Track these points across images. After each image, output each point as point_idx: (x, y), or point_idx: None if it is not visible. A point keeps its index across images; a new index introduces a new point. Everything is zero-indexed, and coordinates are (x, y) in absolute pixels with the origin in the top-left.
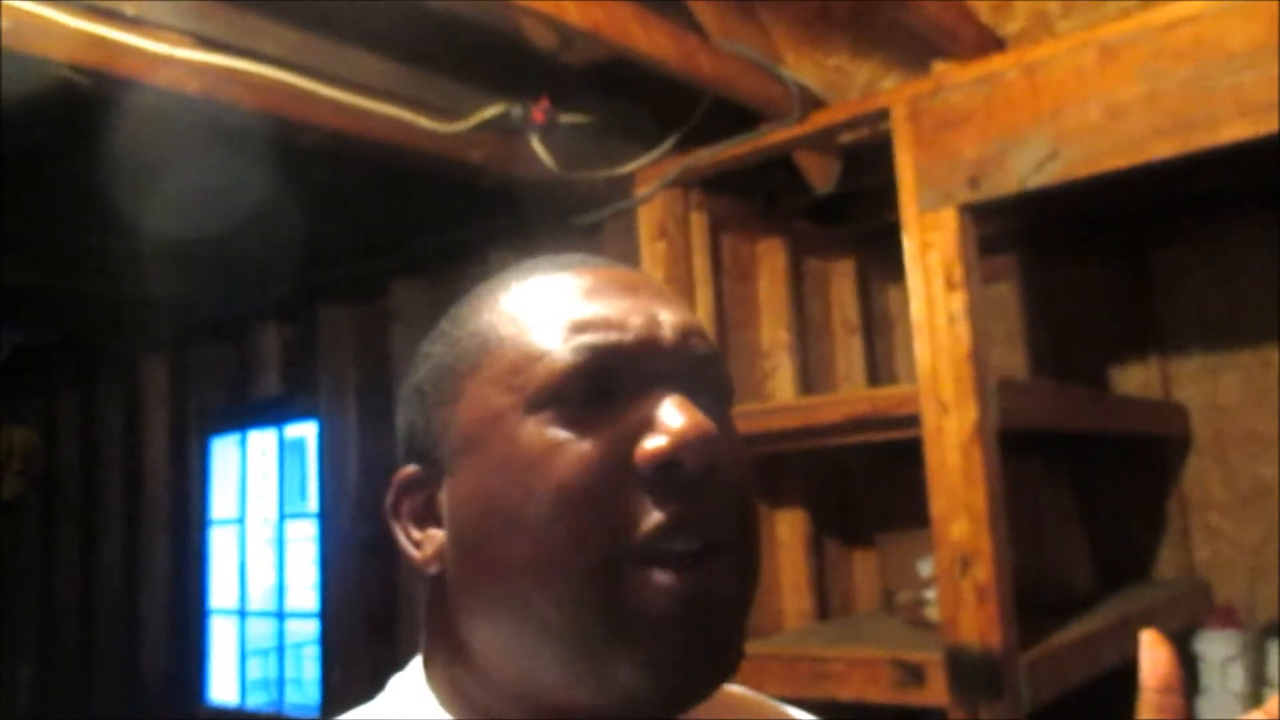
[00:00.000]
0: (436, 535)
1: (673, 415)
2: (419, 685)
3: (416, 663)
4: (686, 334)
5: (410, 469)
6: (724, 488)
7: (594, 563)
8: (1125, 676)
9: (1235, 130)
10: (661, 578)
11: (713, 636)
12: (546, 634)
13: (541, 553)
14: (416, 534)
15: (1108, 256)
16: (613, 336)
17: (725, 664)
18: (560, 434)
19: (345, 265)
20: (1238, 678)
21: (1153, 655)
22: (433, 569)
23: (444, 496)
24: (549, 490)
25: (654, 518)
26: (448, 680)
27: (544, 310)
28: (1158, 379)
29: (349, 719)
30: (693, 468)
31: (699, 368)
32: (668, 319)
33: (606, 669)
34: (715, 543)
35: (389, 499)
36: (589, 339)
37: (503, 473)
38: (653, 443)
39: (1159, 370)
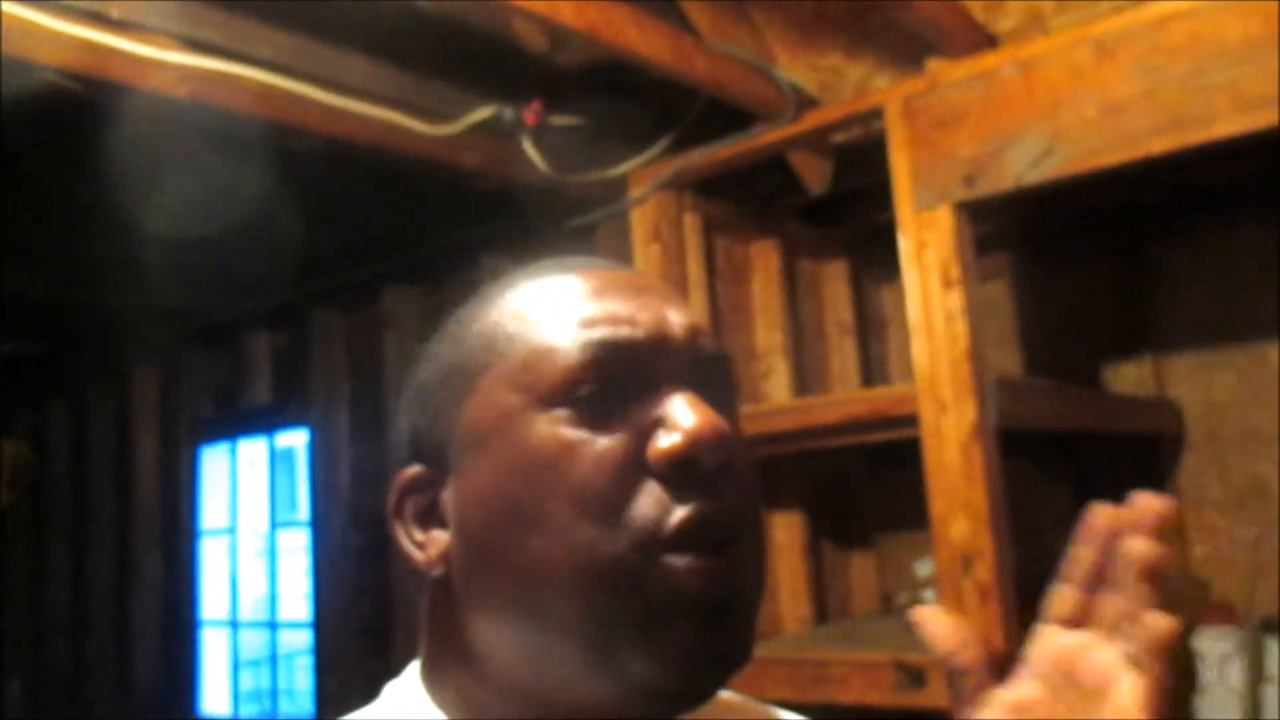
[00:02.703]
0: (440, 537)
1: (686, 413)
2: (416, 690)
3: (412, 668)
4: (695, 333)
5: (413, 470)
6: (736, 486)
7: (613, 561)
8: None
9: (1232, 125)
10: (683, 565)
11: (729, 628)
12: (563, 632)
13: (560, 552)
14: (419, 535)
15: (1102, 255)
16: (623, 332)
17: (738, 657)
18: (574, 433)
19: (337, 271)
20: (1236, 674)
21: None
22: (436, 571)
23: (449, 497)
24: (566, 490)
25: (675, 515)
26: (450, 684)
27: (553, 308)
28: (1152, 377)
29: None
30: (708, 465)
31: (708, 366)
32: (676, 318)
33: (623, 663)
34: (730, 538)
35: (391, 500)
36: (599, 334)
37: (515, 472)
38: (668, 440)
39: (1153, 368)
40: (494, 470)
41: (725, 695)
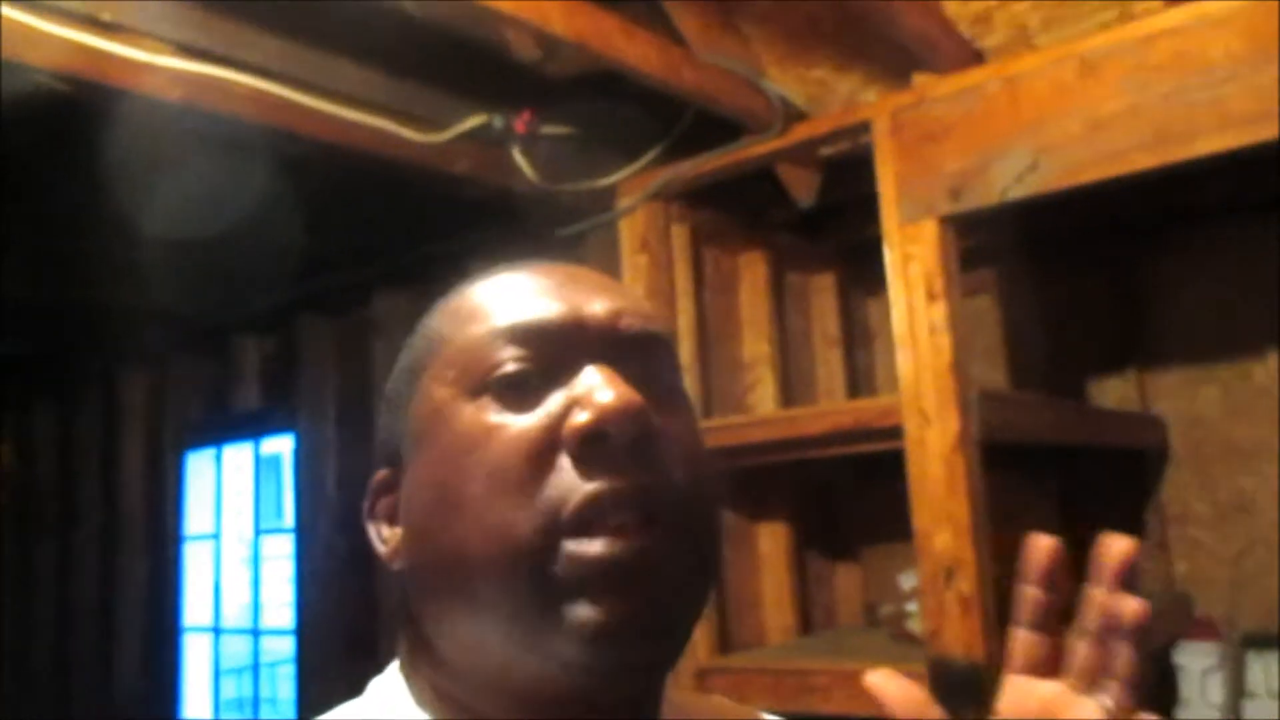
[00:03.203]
0: (399, 531)
1: (598, 389)
2: (396, 685)
3: (395, 664)
4: (618, 315)
5: (384, 472)
6: (659, 462)
7: (526, 539)
8: None
9: (1215, 142)
10: (591, 546)
11: (646, 604)
12: (489, 613)
13: (477, 534)
14: (386, 532)
15: (1088, 270)
16: (537, 315)
17: (665, 637)
18: (495, 418)
19: (326, 276)
20: (1217, 689)
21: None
22: (396, 564)
23: (402, 492)
24: (484, 472)
25: (583, 491)
26: (418, 674)
27: (479, 306)
28: (1136, 392)
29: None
30: (619, 439)
31: (632, 346)
32: (600, 302)
33: (543, 642)
34: (651, 516)
35: (366, 502)
36: (514, 322)
37: (445, 461)
38: (579, 417)
39: (1137, 383)
40: (429, 462)
41: (713, 698)
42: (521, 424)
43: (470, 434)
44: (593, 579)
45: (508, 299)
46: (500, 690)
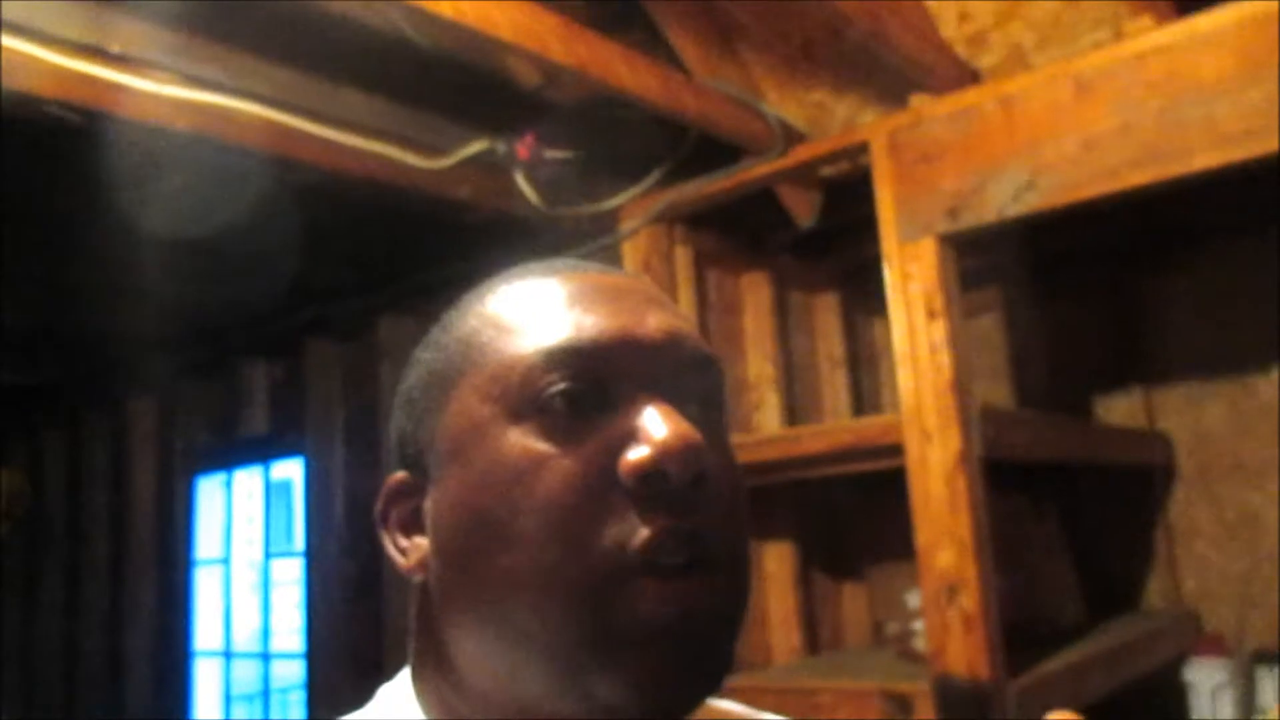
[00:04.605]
0: (421, 544)
1: (656, 424)
2: (406, 694)
3: (405, 672)
4: (673, 337)
5: (400, 476)
6: (712, 500)
7: (581, 579)
8: (1114, 706)
9: (1207, 159)
10: (648, 591)
11: (698, 650)
12: (528, 647)
13: (527, 568)
14: (404, 541)
15: (1092, 288)
16: (589, 339)
17: (709, 680)
18: (544, 447)
19: (333, 302)
20: (1228, 705)
21: None
22: (418, 576)
23: (428, 504)
24: (535, 506)
25: (641, 533)
26: (432, 689)
27: (525, 316)
28: (1142, 409)
29: None
30: (678, 478)
31: (686, 372)
32: (653, 322)
33: (588, 685)
34: (703, 557)
35: (379, 506)
36: (564, 342)
37: (487, 485)
38: (636, 454)
39: (1143, 400)
40: (467, 482)
41: (722, 704)
42: (573, 458)
43: (517, 463)
44: (651, 626)
45: (554, 311)
46: (518, 715)
